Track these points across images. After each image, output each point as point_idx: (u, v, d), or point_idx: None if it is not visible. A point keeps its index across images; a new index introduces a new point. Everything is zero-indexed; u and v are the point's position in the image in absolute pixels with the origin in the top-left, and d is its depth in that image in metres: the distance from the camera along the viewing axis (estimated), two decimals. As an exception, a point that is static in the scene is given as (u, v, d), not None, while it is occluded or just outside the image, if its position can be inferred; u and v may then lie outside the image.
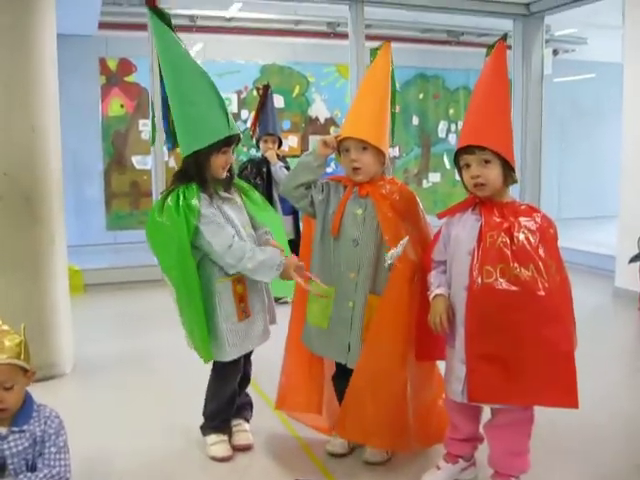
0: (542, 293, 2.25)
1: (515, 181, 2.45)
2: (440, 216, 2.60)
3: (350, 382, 2.67)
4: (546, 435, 2.89)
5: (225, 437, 2.92)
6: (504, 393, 2.34)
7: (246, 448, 2.94)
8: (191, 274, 2.65)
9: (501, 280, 2.28)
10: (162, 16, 2.72)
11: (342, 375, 2.82)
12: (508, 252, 2.29)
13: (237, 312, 2.74)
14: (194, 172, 2.69)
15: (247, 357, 2.97)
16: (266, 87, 5.83)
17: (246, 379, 3.02)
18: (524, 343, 2.28)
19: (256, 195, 2.99)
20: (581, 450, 2.94)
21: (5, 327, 2.20)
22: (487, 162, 2.36)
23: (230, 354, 2.76)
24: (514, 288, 2.26)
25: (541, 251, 2.30)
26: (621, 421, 3.29)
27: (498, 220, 2.35)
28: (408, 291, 2.61)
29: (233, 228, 2.71)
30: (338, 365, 2.84)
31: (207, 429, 2.94)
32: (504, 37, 2.59)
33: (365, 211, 2.68)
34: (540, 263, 2.28)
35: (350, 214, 2.69)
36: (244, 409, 3.06)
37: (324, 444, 2.91)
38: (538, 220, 2.37)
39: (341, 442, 2.86)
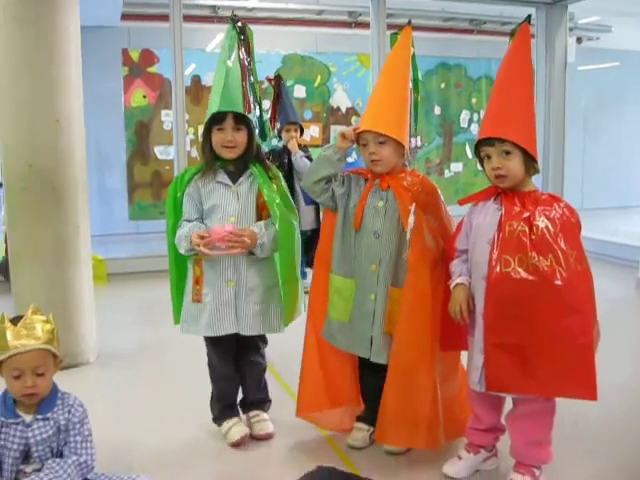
0: (560, 283, 2.24)
1: (537, 171, 2.43)
2: (461, 202, 2.59)
3: (385, 385, 2.65)
4: (566, 427, 2.87)
5: (236, 419, 2.94)
6: (522, 383, 2.33)
7: (267, 437, 2.94)
8: (171, 241, 2.85)
9: (519, 269, 2.27)
10: (238, 31, 2.86)
11: (366, 370, 2.83)
12: (527, 241, 2.28)
13: (192, 292, 2.83)
14: (200, 149, 2.89)
15: (241, 356, 2.97)
16: (278, 78, 5.82)
17: (244, 376, 3.01)
18: (542, 333, 2.28)
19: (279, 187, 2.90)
20: (602, 442, 2.93)
21: (38, 315, 2.24)
22: (508, 153, 2.35)
23: (181, 328, 2.89)
24: (532, 277, 2.26)
25: (561, 241, 2.28)
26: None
27: (518, 209, 2.35)
28: (430, 281, 2.59)
29: (212, 213, 2.79)
30: (361, 359, 2.84)
31: (217, 418, 2.97)
32: (528, 19, 2.52)
33: (386, 203, 2.68)
34: (559, 253, 2.26)
35: (371, 207, 2.69)
36: (261, 402, 3.06)
37: (346, 435, 2.91)
38: (559, 209, 2.35)
39: (363, 436, 2.86)
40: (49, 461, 2.22)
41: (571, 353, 2.27)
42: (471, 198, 2.57)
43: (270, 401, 3.10)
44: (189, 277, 2.86)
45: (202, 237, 2.66)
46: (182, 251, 2.77)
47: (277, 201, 2.78)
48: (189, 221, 2.80)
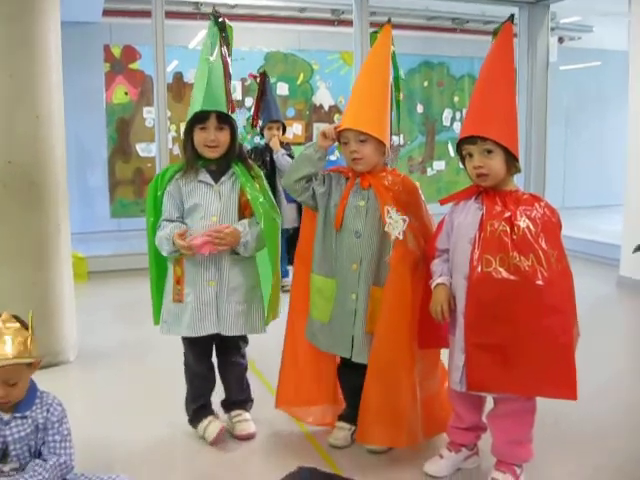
0: (541, 283, 2.24)
1: (519, 170, 2.43)
2: (442, 202, 2.58)
3: (365, 385, 2.65)
4: (547, 425, 2.88)
5: (211, 417, 2.93)
6: (502, 382, 2.33)
7: (248, 437, 2.93)
8: (150, 241, 2.85)
9: (500, 269, 2.27)
10: (220, 28, 2.82)
11: (347, 369, 2.83)
12: (508, 241, 2.28)
13: (172, 292, 2.80)
14: (181, 148, 2.87)
15: (222, 356, 2.97)
16: (263, 75, 5.81)
17: (225, 377, 3.01)
18: (523, 333, 2.28)
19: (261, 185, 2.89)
20: (582, 440, 2.94)
21: (10, 323, 2.18)
22: (489, 152, 2.35)
23: (161, 328, 2.88)
24: (513, 277, 2.25)
25: (542, 241, 2.28)
26: (623, 411, 3.29)
27: (499, 209, 2.34)
28: (410, 281, 2.60)
29: (193, 213, 2.77)
30: (343, 359, 2.83)
31: (192, 420, 2.96)
32: (511, 18, 2.52)
33: (368, 202, 2.67)
34: (540, 253, 2.26)
35: (353, 206, 2.68)
36: (243, 402, 3.04)
37: (328, 433, 2.91)
38: (540, 209, 2.35)
39: (344, 435, 2.85)
40: (31, 463, 2.19)
41: (551, 353, 2.27)
42: (452, 197, 2.56)
43: (252, 401, 3.08)
44: (169, 277, 2.84)
45: (181, 235, 2.66)
46: (164, 253, 2.76)
47: (260, 200, 2.76)
48: (169, 221, 2.77)
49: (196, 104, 2.74)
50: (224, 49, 2.82)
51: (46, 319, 3.74)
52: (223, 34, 2.82)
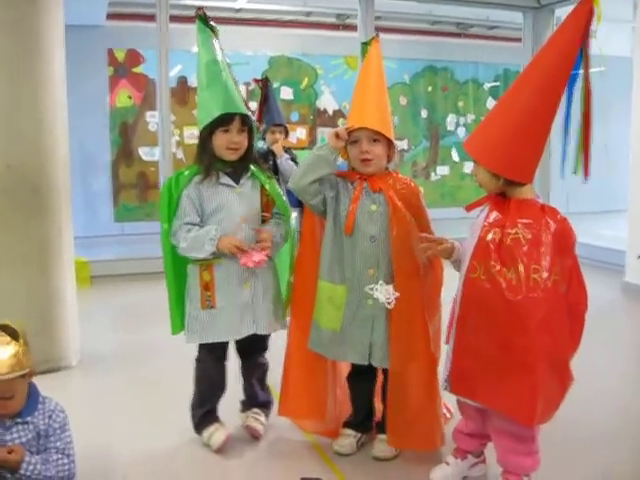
0: (518, 298, 2.17)
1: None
2: (468, 208, 2.48)
3: (389, 391, 2.66)
4: (552, 431, 2.85)
5: (217, 425, 2.91)
6: (477, 391, 2.33)
7: (254, 434, 2.94)
8: (167, 247, 2.82)
9: (483, 277, 2.25)
10: (211, 28, 2.86)
11: (360, 376, 2.82)
12: (492, 250, 2.24)
13: (201, 299, 2.77)
14: (198, 152, 2.80)
15: (249, 357, 2.98)
16: (265, 80, 5.80)
17: (249, 378, 3.02)
18: (494, 345, 2.25)
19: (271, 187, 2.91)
20: (591, 447, 2.92)
21: (1, 337, 2.14)
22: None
23: (189, 339, 2.83)
24: (489, 287, 2.22)
25: (530, 255, 2.20)
26: (629, 417, 3.25)
27: (498, 217, 2.31)
28: (417, 284, 2.61)
29: (216, 215, 2.74)
30: (355, 366, 2.81)
31: (197, 427, 2.93)
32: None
33: (380, 207, 2.65)
34: (523, 267, 2.19)
35: (365, 211, 2.65)
36: (265, 405, 3.06)
37: (332, 440, 2.88)
38: (551, 223, 2.27)
39: (350, 442, 2.83)
40: (36, 456, 2.18)
41: (515, 372, 2.22)
42: (477, 203, 2.47)
43: (272, 404, 3.08)
44: (193, 284, 2.80)
45: (238, 247, 2.66)
46: (201, 255, 2.69)
47: (283, 198, 2.85)
48: (192, 224, 2.73)
49: (216, 107, 2.71)
50: (222, 53, 2.82)
51: (48, 324, 3.73)
52: (216, 37, 2.85)
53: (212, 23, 2.86)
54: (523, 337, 2.20)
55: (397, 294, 2.58)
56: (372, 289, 2.60)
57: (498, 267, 2.22)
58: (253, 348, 2.95)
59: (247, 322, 2.78)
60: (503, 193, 2.38)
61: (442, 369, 2.50)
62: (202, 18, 2.84)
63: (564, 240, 2.28)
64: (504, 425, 2.39)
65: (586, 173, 2.43)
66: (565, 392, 2.31)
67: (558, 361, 2.27)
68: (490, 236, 2.27)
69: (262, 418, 3.02)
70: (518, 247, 2.22)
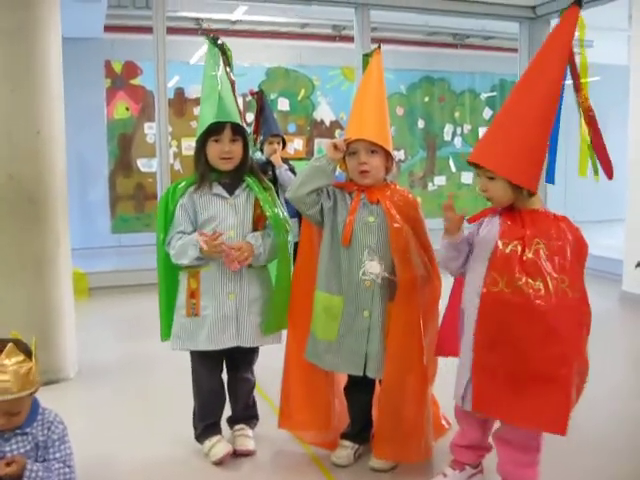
0: (551, 307, 2.16)
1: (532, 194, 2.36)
2: (471, 220, 2.49)
3: (380, 402, 2.66)
4: (550, 437, 2.85)
5: (219, 436, 2.89)
6: (503, 409, 2.29)
7: (247, 454, 2.90)
8: (162, 255, 2.81)
9: (506, 290, 2.21)
10: (221, 48, 2.87)
11: (356, 387, 2.81)
12: (516, 262, 2.22)
13: (186, 307, 2.77)
14: (194, 162, 2.82)
15: (233, 372, 2.95)
16: (260, 92, 5.81)
17: (233, 393, 2.99)
18: (523, 359, 2.22)
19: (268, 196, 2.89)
20: (590, 456, 2.92)
21: (14, 357, 2.10)
22: (490, 179, 2.32)
23: (173, 344, 2.83)
24: (516, 300, 2.19)
25: (554, 265, 2.21)
26: (629, 427, 3.26)
27: (516, 228, 2.29)
28: (414, 296, 2.61)
29: (209, 225, 2.74)
30: (351, 377, 2.81)
31: (199, 436, 2.92)
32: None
33: (377, 218, 2.65)
34: (549, 278, 2.19)
35: (362, 222, 2.66)
36: (248, 418, 3.02)
37: (331, 452, 2.86)
38: (563, 232, 2.28)
39: (347, 454, 2.82)
40: (37, 464, 2.17)
41: (548, 383, 2.20)
42: (479, 215, 2.49)
43: (258, 419, 3.06)
44: (181, 291, 2.81)
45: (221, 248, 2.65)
46: (185, 261, 2.71)
47: (276, 211, 2.78)
48: (185, 233, 2.74)
49: (208, 116, 2.72)
50: (227, 68, 2.83)
51: (46, 336, 3.71)
52: (224, 56, 2.85)
53: (220, 43, 2.86)
54: (557, 346, 2.18)
55: (385, 274, 2.60)
56: (364, 265, 2.60)
57: (524, 279, 2.19)
58: (238, 362, 2.92)
59: (230, 333, 2.75)
60: (511, 204, 2.37)
61: (455, 384, 2.46)
62: (210, 39, 2.85)
63: (579, 249, 2.31)
64: (510, 435, 2.39)
65: (610, 175, 2.49)
66: (579, 397, 2.31)
67: (581, 369, 2.29)
68: (510, 248, 2.25)
69: (248, 432, 2.98)
70: (542, 258, 2.21)
